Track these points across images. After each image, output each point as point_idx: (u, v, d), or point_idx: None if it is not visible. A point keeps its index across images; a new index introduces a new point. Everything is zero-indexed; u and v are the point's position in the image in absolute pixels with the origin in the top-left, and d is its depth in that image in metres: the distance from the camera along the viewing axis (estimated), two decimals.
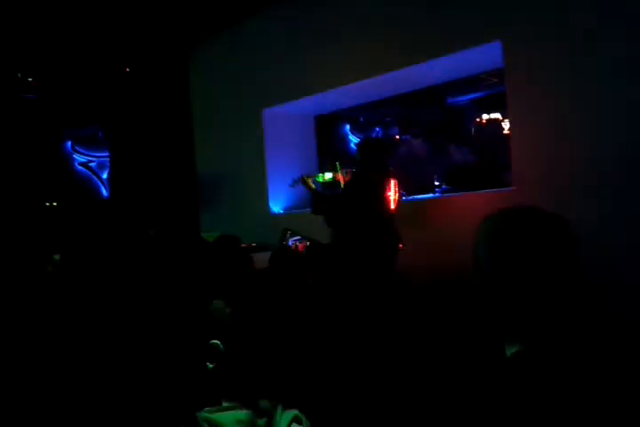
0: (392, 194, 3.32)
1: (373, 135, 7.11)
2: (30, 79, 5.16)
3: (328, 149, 6.01)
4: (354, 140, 6.94)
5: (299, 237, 3.48)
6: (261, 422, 1.27)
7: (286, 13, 5.06)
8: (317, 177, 3.93)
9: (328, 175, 3.89)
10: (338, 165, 3.76)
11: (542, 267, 0.90)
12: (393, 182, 3.37)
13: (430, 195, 4.44)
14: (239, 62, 5.57)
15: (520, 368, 0.90)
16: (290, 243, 3.67)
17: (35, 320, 2.74)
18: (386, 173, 3.34)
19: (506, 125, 5.88)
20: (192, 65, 6.28)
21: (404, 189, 3.84)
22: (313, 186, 3.61)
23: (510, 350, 0.94)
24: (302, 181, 3.67)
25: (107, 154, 6.54)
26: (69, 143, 6.62)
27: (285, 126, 5.46)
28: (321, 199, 3.47)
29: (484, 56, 3.98)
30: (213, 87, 5.96)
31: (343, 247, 3.17)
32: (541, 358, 0.89)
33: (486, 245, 0.97)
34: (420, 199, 4.33)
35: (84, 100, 6.10)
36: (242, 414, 1.25)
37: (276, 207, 5.33)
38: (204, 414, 1.23)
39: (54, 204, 6.28)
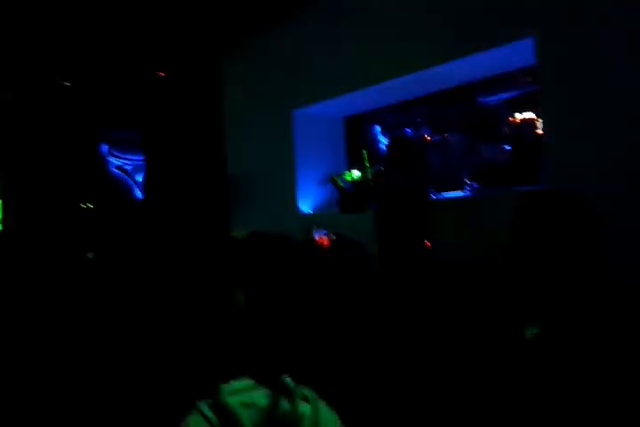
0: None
1: (403, 134, 7.08)
2: (68, 84, 5.30)
3: (358, 151, 6.01)
4: (384, 141, 6.92)
5: (324, 231, 3.49)
6: (264, 402, 1.24)
7: (316, 15, 5.11)
8: (345, 175, 3.95)
9: (356, 174, 3.91)
10: (365, 154, 3.76)
11: (562, 246, 0.90)
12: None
13: (461, 193, 4.41)
14: (270, 64, 5.64)
15: (540, 349, 0.90)
16: (315, 236, 3.69)
17: (68, 315, 2.82)
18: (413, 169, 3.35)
19: (540, 125, 5.79)
20: (224, 68, 6.38)
21: (432, 187, 3.82)
22: (341, 185, 3.65)
23: (531, 332, 0.94)
24: (331, 180, 3.71)
25: (141, 157, 6.69)
26: (106, 147, 6.80)
27: (315, 127, 5.50)
28: (348, 197, 3.51)
29: (516, 54, 3.94)
30: (245, 89, 6.04)
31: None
32: (561, 338, 0.89)
33: (509, 229, 0.97)
34: (451, 198, 4.30)
35: (120, 105, 6.26)
36: (246, 396, 1.24)
37: (305, 207, 5.36)
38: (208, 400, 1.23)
39: (90, 206, 6.44)
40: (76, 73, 5.74)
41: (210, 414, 1.22)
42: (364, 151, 3.92)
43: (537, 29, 3.58)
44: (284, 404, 1.24)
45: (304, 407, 1.24)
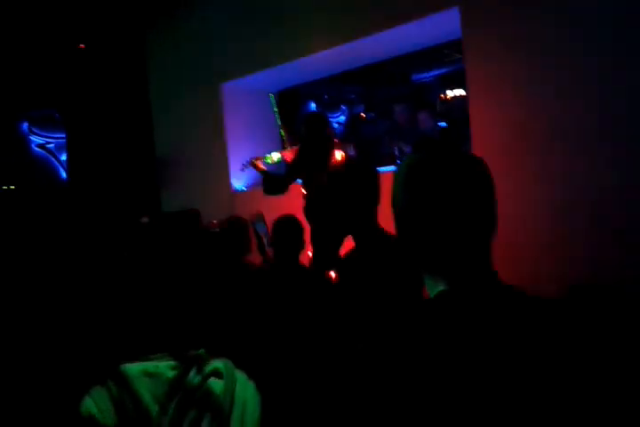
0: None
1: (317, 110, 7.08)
2: None
3: (292, 127, 5.93)
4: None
5: (265, 230, 3.41)
6: (171, 373, 1.18)
7: None
8: (266, 158, 3.95)
9: (276, 155, 3.94)
10: (271, 97, 3.67)
11: (458, 202, 0.88)
12: (340, 154, 3.38)
13: (393, 167, 4.41)
14: (196, 36, 5.44)
15: (447, 307, 0.87)
16: (258, 229, 3.58)
17: None
18: (329, 145, 3.34)
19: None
20: (149, 41, 6.11)
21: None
22: (263, 167, 3.63)
23: (434, 291, 0.92)
24: (251, 163, 3.71)
25: (64, 135, 6.36)
26: (26, 125, 6.43)
27: (246, 102, 5.36)
28: (271, 179, 3.49)
29: (444, 25, 3.93)
30: (171, 63, 5.82)
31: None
32: (467, 296, 0.86)
33: (402, 182, 0.94)
34: (386, 171, 4.29)
35: (38, 80, 5.90)
36: (151, 365, 1.18)
37: (239, 185, 5.25)
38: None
39: (12, 187, 6.11)
40: None
41: (110, 383, 1.15)
42: (281, 131, 3.88)
43: None
44: (194, 377, 1.18)
45: (215, 383, 1.18)
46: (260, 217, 3.31)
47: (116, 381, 1.14)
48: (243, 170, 4.06)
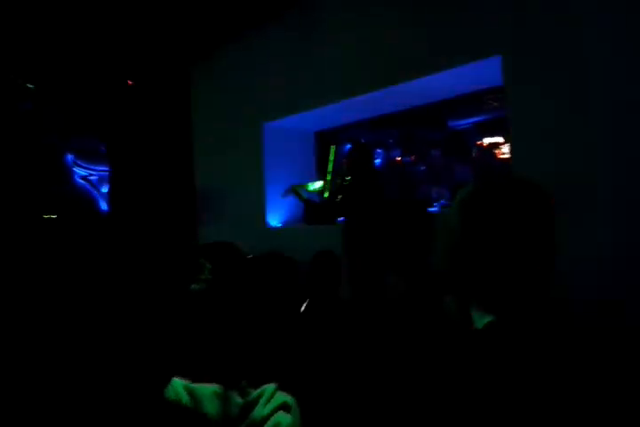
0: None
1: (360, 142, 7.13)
2: (32, 86, 5.19)
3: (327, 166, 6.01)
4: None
5: None
6: (239, 400, 1.18)
7: (287, 27, 5.14)
8: (307, 186, 3.95)
9: (318, 184, 3.92)
10: (332, 149, 3.73)
11: (515, 235, 0.87)
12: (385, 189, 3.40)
13: (433, 209, 4.42)
14: (240, 76, 5.63)
15: (494, 339, 0.86)
16: None
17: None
18: (378, 180, 3.36)
19: (505, 149, 5.91)
20: (194, 79, 6.35)
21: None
22: (303, 195, 3.64)
23: (482, 322, 0.90)
24: (293, 190, 3.69)
25: (107, 168, 6.56)
26: (71, 157, 6.66)
27: (285, 141, 5.48)
28: (313, 208, 3.49)
29: (484, 72, 4.00)
30: (214, 101, 6.02)
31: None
32: (515, 328, 0.85)
33: (459, 213, 0.93)
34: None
35: (86, 113, 6.15)
36: (216, 387, 1.18)
37: (274, 221, 5.30)
38: (183, 382, 1.16)
39: (53, 216, 6.27)
40: (42, 79, 5.64)
41: (183, 392, 1.15)
42: (332, 147, 3.88)
43: (504, 47, 3.64)
44: (263, 408, 1.15)
45: (283, 417, 1.14)
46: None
47: (187, 391, 1.14)
48: (284, 196, 4.06)
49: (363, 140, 7.47)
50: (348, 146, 6.45)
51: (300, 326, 2.29)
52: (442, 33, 3.98)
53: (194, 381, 1.22)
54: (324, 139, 5.93)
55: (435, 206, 4.47)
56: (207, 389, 1.16)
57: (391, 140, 7.90)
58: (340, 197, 3.46)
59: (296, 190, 3.67)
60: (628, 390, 0.80)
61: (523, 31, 3.55)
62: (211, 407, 1.13)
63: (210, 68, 6.12)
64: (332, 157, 3.86)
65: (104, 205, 6.71)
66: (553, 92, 3.41)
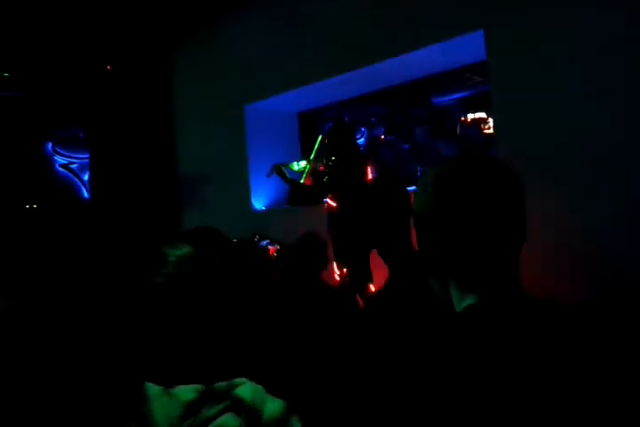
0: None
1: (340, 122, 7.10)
2: (6, 74, 5.05)
3: (312, 148, 5.96)
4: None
5: (268, 241, 3.41)
6: (190, 397, 1.10)
7: (269, 8, 5.03)
8: (291, 166, 3.90)
9: (302, 163, 3.88)
10: (319, 139, 3.68)
11: (490, 215, 0.85)
12: (370, 169, 3.36)
13: (415, 187, 4.39)
14: (221, 58, 5.53)
15: (476, 320, 0.84)
16: (261, 245, 3.60)
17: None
18: (362, 160, 3.32)
19: (490, 124, 5.90)
20: (174, 62, 6.22)
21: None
22: (288, 175, 3.60)
23: (462, 305, 0.88)
24: (277, 169, 3.65)
25: (87, 155, 6.44)
26: (50, 145, 6.54)
27: (268, 123, 5.41)
28: (299, 188, 3.45)
29: (467, 48, 3.95)
30: (195, 84, 5.91)
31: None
32: (497, 309, 0.83)
33: (430, 190, 0.91)
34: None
35: (64, 100, 6.02)
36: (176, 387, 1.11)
37: (259, 204, 5.26)
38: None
39: (34, 206, 6.18)
40: (19, 66, 5.48)
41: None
42: (319, 140, 3.83)
43: (486, 22, 3.59)
44: (210, 409, 1.08)
45: (230, 420, 1.07)
46: (260, 237, 3.29)
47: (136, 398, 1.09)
48: (269, 176, 4.00)
49: (346, 120, 7.41)
50: (329, 125, 6.39)
51: (287, 311, 2.27)
52: (423, 8, 3.91)
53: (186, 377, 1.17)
54: (307, 120, 5.87)
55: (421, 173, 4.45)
56: (154, 388, 1.10)
57: (374, 119, 7.86)
58: (325, 178, 3.41)
59: (280, 170, 3.62)
60: (613, 373, 0.79)
61: (504, 5, 3.50)
62: (156, 406, 1.08)
63: (191, 52, 5.99)
64: (316, 146, 3.81)
65: (86, 193, 6.62)
66: (535, 64, 3.37)
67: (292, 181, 3.56)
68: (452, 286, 0.90)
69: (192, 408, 1.07)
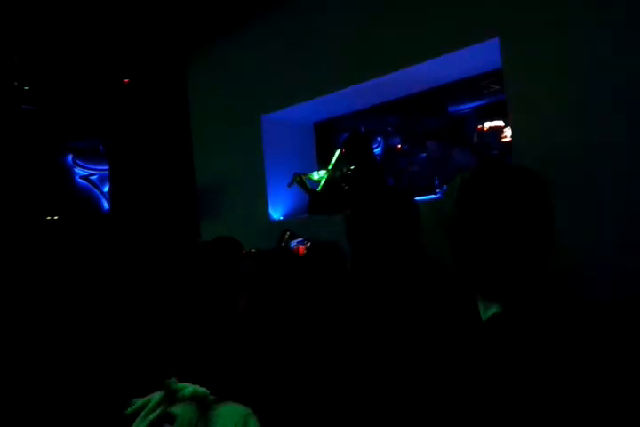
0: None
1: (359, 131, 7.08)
2: (27, 87, 5.15)
3: (328, 158, 5.98)
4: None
5: (300, 239, 3.41)
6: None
7: (283, 18, 5.08)
8: (311, 175, 3.91)
9: (322, 173, 3.88)
10: (337, 154, 3.69)
11: (513, 222, 0.84)
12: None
13: (432, 196, 4.39)
14: (236, 69, 5.58)
15: (500, 330, 0.83)
16: (292, 245, 3.60)
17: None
18: (380, 169, 3.32)
19: (507, 132, 5.87)
20: (190, 73, 6.29)
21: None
22: (307, 184, 3.61)
23: (487, 314, 0.87)
24: (297, 179, 3.65)
25: (107, 167, 6.53)
26: (70, 157, 6.64)
27: (285, 133, 5.44)
28: (318, 198, 3.44)
29: (483, 55, 3.94)
30: (211, 95, 5.97)
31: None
32: (521, 319, 0.82)
33: (456, 200, 0.90)
34: (423, 200, 4.26)
35: (84, 113, 6.12)
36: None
37: (276, 214, 5.27)
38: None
39: (55, 217, 6.26)
40: (38, 79, 5.59)
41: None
42: (338, 151, 3.84)
43: (501, 30, 3.59)
44: (140, 423, 1.04)
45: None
46: (291, 234, 3.27)
47: None
48: (290, 186, 4.02)
49: (362, 129, 7.42)
50: (346, 135, 6.40)
51: (305, 319, 2.26)
52: (439, 17, 3.92)
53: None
54: (323, 130, 5.89)
55: (437, 194, 4.43)
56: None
57: (390, 129, 7.86)
58: (345, 187, 3.41)
59: (301, 179, 3.63)
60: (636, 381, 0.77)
61: (520, 13, 3.49)
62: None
63: (206, 63, 6.06)
64: (335, 156, 3.82)
65: (106, 205, 6.70)
66: (551, 72, 3.35)
67: (311, 190, 3.56)
68: (478, 295, 0.89)
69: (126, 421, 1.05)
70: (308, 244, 3.51)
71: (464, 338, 0.88)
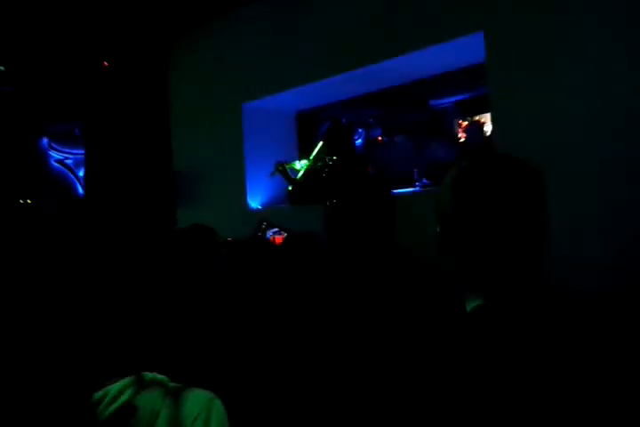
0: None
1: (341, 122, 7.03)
2: (2, 68, 5.01)
3: (310, 148, 5.95)
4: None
5: (276, 229, 3.39)
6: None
7: (266, 6, 5.01)
8: (293, 164, 3.89)
9: (304, 162, 3.86)
10: (320, 145, 3.67)
11: (508, 214, 0.84)
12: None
13: (411, 189, 4.39)
14: (219, 55, 5.51)
15: (482, 323, 0.82)
16: (268, 236, 3.58)
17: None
18: (361, 160, 3.32)
19: (488, 127, 5.91)
20: (172, 59, 6.19)
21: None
22: (290, 174, 3.59)
23: (471, 306, 0.87)
24: (280, 168, 3.63)
25: (83, 151, 6.41)
26: (46, 140, 6.50)
27: (266, 121, 5.38)
28: (298, 187, 3.43)
29: (467, 49, 3.94)
30: (193, 81, 5.89)
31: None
32: (504, 311, 0.82)
33: (452, 190, 0.89)
34: (402, 193, 4.27)
35: (61, 95, 5.98)
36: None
37: (255, 203, 5.23)
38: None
39: (29, 201, 6.14)
40: (16, 60, 5.44)
41: None
42: (321, 142, 3.83)
43: (486, 23, 3.59)
44: (102, 410, 1.03)
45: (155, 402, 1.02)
46: (268, 224, 3.25)
47: None
48: (272, 175, 3.99)
49: (343, 121, 7.40)
50: (326, 125, 6.38)
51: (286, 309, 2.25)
52: (424, 9, 3.91)
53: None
54: (305, 119, 5.85)
55: (416, 186, 4.44)
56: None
57: (372, 120, 7.85)
58: (325, 177, 3.41)
59: (284, 168, 3.60)
60: (621, 378, 0.77)
61: (505, 7, 3.49)
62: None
63: (188, 49, 5.96)
64: (315, 151, 3.80)
65: (80, 189, 6.59)
66: (535, 67, 3.37)
67: (293, 180, 3.55)
68: (466, 287, 0.89)
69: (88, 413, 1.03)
70: (285, 234, 3.50)
71: (443, 329, 0.87)
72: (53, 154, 6.57)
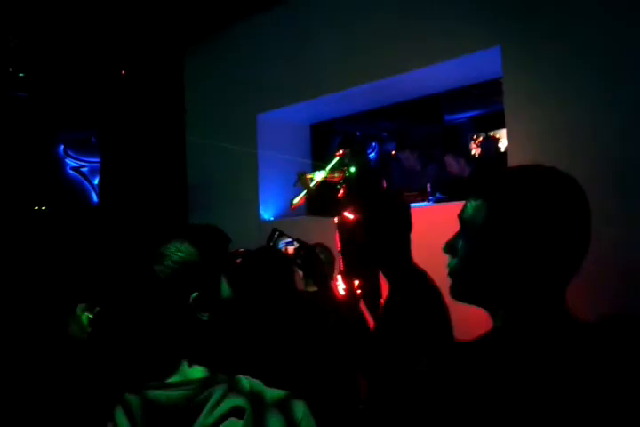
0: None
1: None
2: (22, 74, 5.09)
3: (324, 159, 5.95)
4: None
5: (289, 240, 3.36)
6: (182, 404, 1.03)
7: (283, 17, 5.04)
8: (312, 175, 3.88)
9: (322, 174, 3.85)
10: (339, 158, 3.65)
11: (554, 229, 0.79)
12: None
13: (424, 204, 4.36)
14: (234, 66, 5.53)
15: (497, 344, 0.79)
16: (280, 246, 3.54)
17: None
18: (377, 173, 3.30)
19: (502, 143, 5.88)
20: (186, 70, 6.24)
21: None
22: (310, 185, 3.57)
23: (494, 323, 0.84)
24: (301, 179, 3.60)
25: (98, 159, 6.46)
26: (62, 147, 6.57)
27: (280, 133, 5.39)
28: (315, 199, 3.41)
29: (483, 63, 3.93)
30: (207, 92, 5.92)
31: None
32: (521, 333, 0.79)
33: (487, 202, 0.85)
34: (417, 207, 4.24)
35: (78, 103, 6.05)
36: (161, 394, 1.06)
37: (267, 214, 5.23)
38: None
39: (43, 208, 6.19)
40: (34, 67, 5.52)
41: (135, 405, 1.05)
42: (337, 158, 3.81)
43: (503, 37, 3.58)
44: (206, 417, 0.99)
45: (234, 423, 0.98)
46: (280, 235, 3.22)
47: (142, 403, 1.04)
48: (295, 185, 3.97)
49: (358, 134, 7.41)
50: (340, 139, 6.39)
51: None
52: (440, 24, 3.91)
53: None
54: (319, 132, 5.86)
55: (430, 200, 4.40)
56: (135, 398, 1.08)
57: (385, 134, 7.85)
58: (340, 189, 3.39)
59: (304, 177, 3.58)
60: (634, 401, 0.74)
61: (522, 22, 3.48)
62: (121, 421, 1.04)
63: (203, 60, 6.01)
64: (330, 165, 3.79)
65: (95, 197, 6.63)
66: (551, 82, 3.34)
67: (310, 188, 3.53)
68: (480, 305, 0.86)
69: (189, 415, 1.00)
70: (297, 245, 3.46)
71: (459, 351, 0.84)
72: (69, 161, 6.63)
